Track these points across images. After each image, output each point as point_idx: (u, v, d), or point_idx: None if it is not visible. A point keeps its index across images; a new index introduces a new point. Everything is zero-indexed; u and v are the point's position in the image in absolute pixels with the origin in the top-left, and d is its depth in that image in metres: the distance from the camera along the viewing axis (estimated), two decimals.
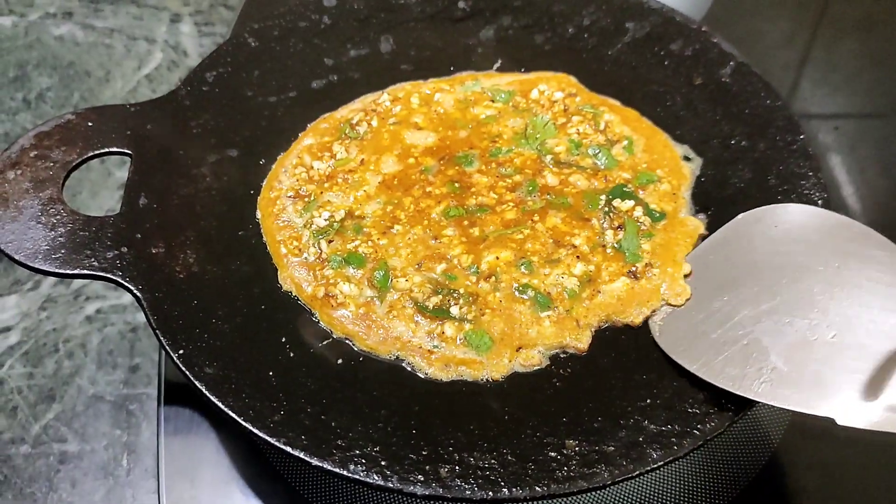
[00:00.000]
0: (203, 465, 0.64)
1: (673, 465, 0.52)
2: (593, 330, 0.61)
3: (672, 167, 0.70)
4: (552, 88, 0.76)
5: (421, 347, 0.60)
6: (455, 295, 0.61)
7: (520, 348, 0.59)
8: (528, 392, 0.57)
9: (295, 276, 0.64)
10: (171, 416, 0.67)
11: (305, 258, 0.65)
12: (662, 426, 0.53)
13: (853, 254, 0.56)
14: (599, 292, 0.62)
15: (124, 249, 0.60)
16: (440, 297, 0.61)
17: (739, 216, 0.64)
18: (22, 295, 0.86)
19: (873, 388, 0.49)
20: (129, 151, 0.66)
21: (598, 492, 0.60)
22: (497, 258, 0.63)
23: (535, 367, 0.59)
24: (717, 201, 0.67)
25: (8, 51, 1.09)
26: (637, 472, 0.51)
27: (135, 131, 0.67)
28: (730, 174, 0.68)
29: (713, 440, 0.53)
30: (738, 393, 0.52)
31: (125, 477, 0.73)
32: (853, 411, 0.49)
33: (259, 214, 0.68)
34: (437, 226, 0.65)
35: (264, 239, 0.66)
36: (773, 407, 0.65)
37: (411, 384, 0.57)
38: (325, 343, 0.60)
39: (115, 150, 0.66)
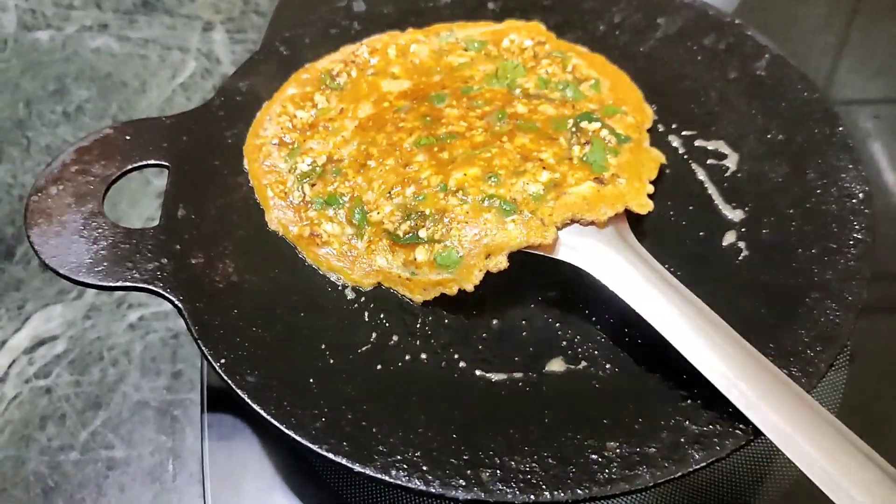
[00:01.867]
0: (247, 471, 0.65)
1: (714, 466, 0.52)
2: (558, 226, 0.61)
3: (636, 106, 0.72)
4: (522, 37, 0.78)
5: (400, 277, 0.62)
6: (424, 216, 0.62)
7: (489, 255, 0.61)
8: (567, 395, 0.57)
9: (281, 218, 0.67)
10: (214, 422, 0.68)
11: (291, 201, 0.68)
12: (704, 426, 0.53)
13: None
14: (565, 193, 0.62)
15: (164, 261, 0.61)
16: (410, 222, 0.63)
17: None
18: (67, 304, 0.88)
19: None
20: (167, 163, 0.67)
21: (640, 494, 0.60)
22: (465, 174, 0.64)
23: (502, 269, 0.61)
24: (754, 197, 0.66)
25: (46, 64, 1.11)
26: (679, 474, 0.51)
27: (171, 143, 0.68)
28: (767, 169, 0.67)
29: (756, 440, 0.52)
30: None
31: (171, 482, 0.75)
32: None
33: (245, 160, 0.71)
34: (408, 154, 0.67)
35: (251, 183, 0.70)
36: None
37: (450, 389, 0.57)
38: (364, 349, 0.60)
39: (152, 162, 0.67)
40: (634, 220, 0.65)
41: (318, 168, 0.68)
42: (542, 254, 0.61)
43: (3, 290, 0.89)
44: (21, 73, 1.10)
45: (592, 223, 0.62)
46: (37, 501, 0.74)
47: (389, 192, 0.64)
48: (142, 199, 0.95)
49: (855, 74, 1.00)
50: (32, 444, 0.78)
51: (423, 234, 0.62)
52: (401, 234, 0.62)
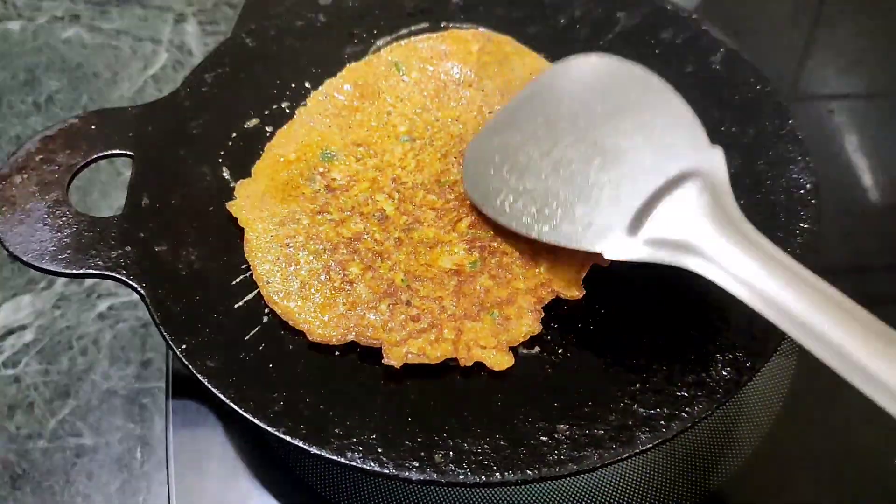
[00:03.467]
0: (210, 456, 0.66)
1: (662, 448, 0.53)
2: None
3: None
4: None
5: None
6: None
7: None
8: (520, 378, 0.58)
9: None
10: (178, 409, 0.69)
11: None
12: (651, 409, 0.54)
13: (636, 100, 0.62)
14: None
15: (128, 249, 0.62)
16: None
17: (548, 70, 0.69)
18: (36, 294, 0.88)
19: (634, 228, 0.53)
20: (131, 153, 0.68)
21: (590, 475, 0.61)
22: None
23: None
24: None
25: (17, 55, 1.11)
26: (626, 455, 0.52)
27: (136, 133, 0.69)
28: None
29: (701, 423, 0.54)
30: (524, 233, 0.59)
31: (139, 469, 0.75)
32: (617, 247, 0.53)
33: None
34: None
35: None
36: (765, 392, 0.67)
37: (406, 374, 0.58)
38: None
39: (117, 151, 0.68)
40: None
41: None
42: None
43: None
44: None
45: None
46: (4, 488, 0.75)
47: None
48: (112, 191, 0.96)
49: (821, 71, 1.02)
50: (1, 432, 0.78)
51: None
52: None
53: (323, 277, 0.63)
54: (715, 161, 0.56)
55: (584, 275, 0.62)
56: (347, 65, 0.78)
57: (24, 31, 1.14)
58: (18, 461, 0.76)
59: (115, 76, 1.10)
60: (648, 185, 0.55)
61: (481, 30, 0.79)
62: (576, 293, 0.62)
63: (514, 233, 0.63)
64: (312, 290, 0.62)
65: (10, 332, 0.86)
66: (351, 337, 0.60)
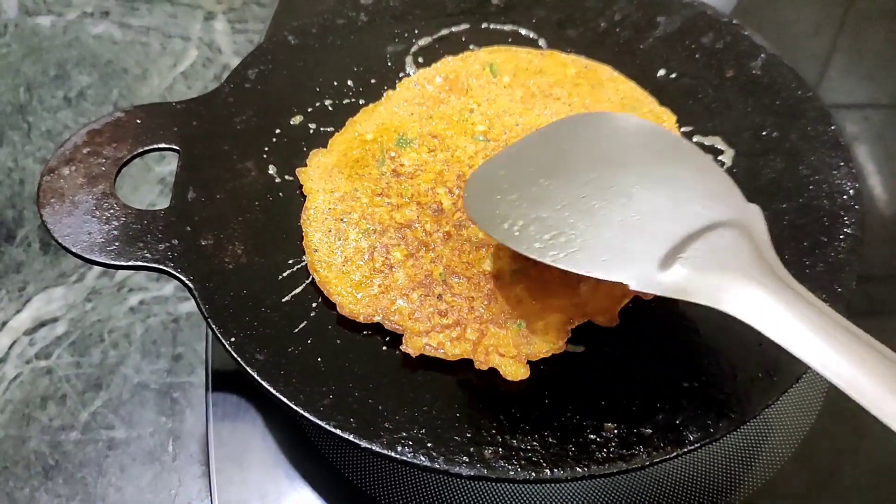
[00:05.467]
0: (250, 449, 0.67)
1: (696, 453, 0.53)
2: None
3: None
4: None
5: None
6: None
7: None
8: (566, 376, 0.59)
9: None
10: (218, 402, 0.69)
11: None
12: (699, 409, 0.55)
13: (664, 154, 0.61)
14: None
15: (175, 241, 0.62)
16: None
17: (565, 118, 0.70)
18: (68, 287, 0.89)
19: (667, 262, 0.51)
20: (177, 147, 0.68)
21: (637, 473, 0.62)
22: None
23: None
24: (749, 192, 0.67)
25: (48, 50, 1.12)
26: (674, 454, 0.53)
27: (181, 128, 0.69)
28: (762, 165, 0.69)
29: (748, 423, 0.54)
30: (534, 258, 0.55)
31: (171, 462, 0.76)
32: (646, 279, 0.52)
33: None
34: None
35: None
36: (806, 392, 0.67)
37: (455, 369, 0.59)
38: (369, 330, 0.62)
39: (163, 146, 0.68)
40: None
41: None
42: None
43: (3, 272, 0.90)
44: (22, 58, 1.11)
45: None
46: (38, 479, 0.75)
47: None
48: (143, 185, 0.96)
49: (844, 78, 1.02)
50: (33, 423, 0.79)
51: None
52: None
53: (366, 257, 0.64)
54: (755, 216, 0.56)
55: (623, 305, 0.62)
56: (389, 63, 0.79)
57: (55, 27, 1.15)
58: (51, 452, 0.77)
59: (144, 72, 1.10)
60: (685, 226, 0.54)
61: (582, 58, 0.79)
62: (609, 322, 0.61)
63: None
64: (354, 266, 0.64)
65: (42, 324, 0.86)
66: (377, 318, 0.61)
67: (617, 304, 0.62)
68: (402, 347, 0.59)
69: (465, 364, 0.59)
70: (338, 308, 0.62)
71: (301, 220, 0.67)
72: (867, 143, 0.94)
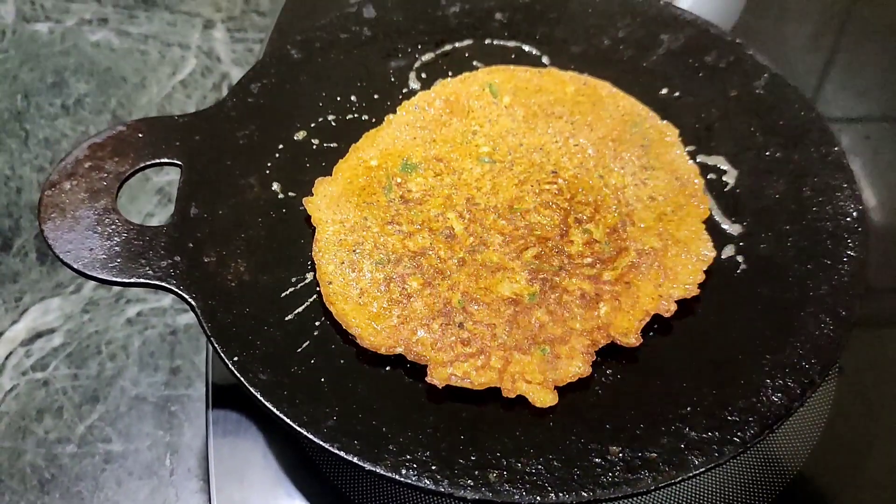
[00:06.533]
0: (251, 466, 0.66)
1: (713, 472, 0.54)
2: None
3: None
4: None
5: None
6: None
7: None
8: (571, 399, 0.59)
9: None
10: (219, 418, 0.69)
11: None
12: (703, 433, 0.55)
13: None
14: None
15: (177, 258, 0.62)
16: None
17: None
18: (65, 298, 0.88)
19: None
20: (179, 162, 0.68)
21: (642, 497, 0.62)
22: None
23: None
24: (752, 212, 0.68)
25: (46, 57, 1.11)
26: (679, 479, 0.53)
27: (183, 142, 0.69)
28: (765, 185, 0.69)
29: (753, 448, 0.54)
30: None
31: (169, 477, 0.75)
32: None
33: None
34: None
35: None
36: (805, 417, 0.67)
37: (458, 391, 0.59)
38: (374, 352, 0.61)
39: (165, 160, 0.68)
40: None
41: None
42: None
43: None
44: (20, 65, 1.10)
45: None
46: (33, 493, 0.75)
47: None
48: (141, 195, 0.96)
49: (840, 92, 1.03)
50: (29, 436, 0.78)
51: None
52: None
53: (382, 288, 0.63)
54: None
55: (644, 323, 0.62)
56: (392, 78, 0.78)
57: (53, 34, 1.14)
58: (47, 465, 0.76)
59: (143, 80, 1.10)
60: None
61: (586, 76, 0.78)
62: (633, 341, 0.61)
63: (579, 272, 0.64)
64: (370, 298, 0.63)
65: (39, 335, 0.85)
66: (399, 350, 0.60)
67: (641, 322, 0.62)
68: (428, 378, 0.59)
69: (468, 390, 0.59)
70: (357, 340, 0.61)
71: (312, 252, 0.66)
72: (863, 156, 0.94)
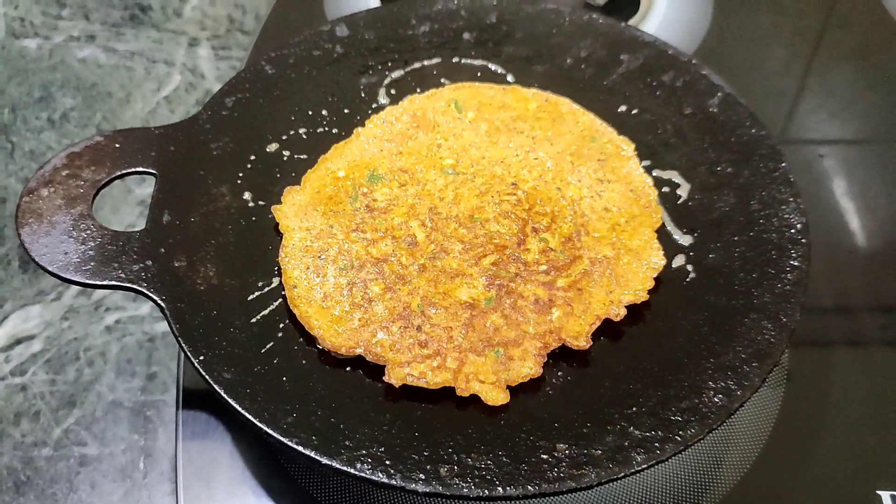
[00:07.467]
0: (218, 466, 0.68)
1: (658, 468, 0.56)
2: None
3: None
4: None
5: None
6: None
7: None
8: (523, 399, 0.61)
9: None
10: (188, 420, 0.71)
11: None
12: (647, 432, 0.57)
13: None
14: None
15: (149, 263, 0.65)
16: None
17: None
18: (45, 305, 0.90)
19: None
20: (154, 171, 0.71)
21: (587, 492, 0.64)
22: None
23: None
24: (703, 224, 0.71)
25: (33, 72, 1.14)
26: (622, 475, 0.55)
27: (159, 152, 0.72)
28: (715, 199, 0.72)
29: (694, 446, 0.57)
30: None
31: (142, 480, 0.77)
32: None
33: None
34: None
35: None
36: (753, 420, 0.70)
37: (414, 390, 0.61)
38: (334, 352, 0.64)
39: (140, 169, 0.71)
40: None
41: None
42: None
43: None
44: (8, 80, 1.13)
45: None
46: (9, 494, 0.76)
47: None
48: (123, 206, 0.98)
49: (813, 115, 1.05)
50: (6, 439, 0.80)
51: None
52: None
53: (345, 292, 0.66)
54: None
55: (595, 328, 0.65)
56: (362, 94, 0.81)
57: (41, 49, 1.17)
58: (23, 468, 0.78)
59: (128, 96, 1.12)
60: None
61: (548, 93, 0.82)
62: (583, 344, 0.64)
63: (534, 278, 0.66)
64: (333, 301, 0.65)
65: (19, 341, 0.87)
66: (359, 351, 0.63)
67: (591, 326, 0.65)
68: (385, 378, 0.61)
69: (423, 389, 0.61)
70: (318, 342, 0.64)
71: (279, 258, 0.68)
72: (838, 178, 0.96)
